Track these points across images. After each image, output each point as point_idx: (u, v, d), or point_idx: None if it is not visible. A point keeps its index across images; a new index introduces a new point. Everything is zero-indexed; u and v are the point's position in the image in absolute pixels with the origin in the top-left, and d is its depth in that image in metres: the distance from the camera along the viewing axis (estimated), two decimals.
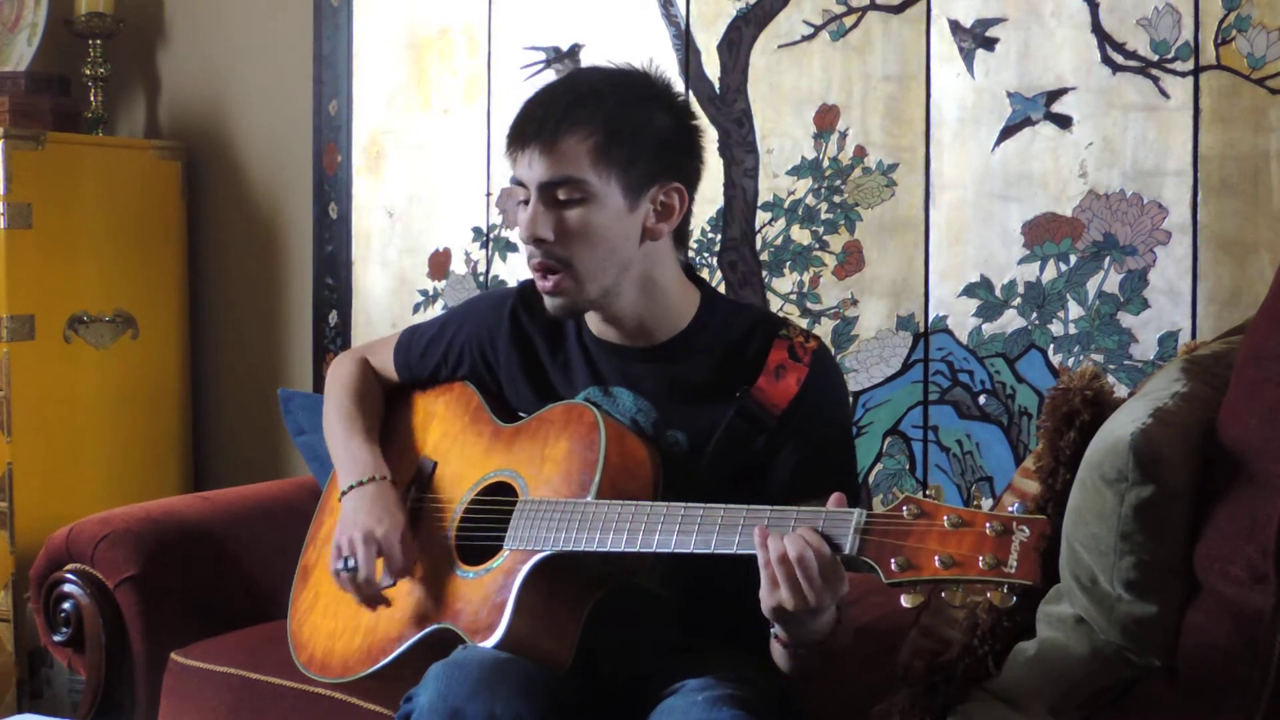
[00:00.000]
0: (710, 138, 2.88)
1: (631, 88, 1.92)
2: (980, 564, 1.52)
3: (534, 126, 1.88)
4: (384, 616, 1.99)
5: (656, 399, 1.96)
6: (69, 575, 2.59)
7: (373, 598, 2.00)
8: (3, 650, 3.22)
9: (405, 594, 1.98)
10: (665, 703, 1.80)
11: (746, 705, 1.75)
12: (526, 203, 1.90)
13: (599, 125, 1.85)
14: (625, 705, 1.85)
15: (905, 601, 1.55)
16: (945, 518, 1.55)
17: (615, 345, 1.99)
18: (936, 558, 1.54)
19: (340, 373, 2.25)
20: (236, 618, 2.60)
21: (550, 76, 3.04)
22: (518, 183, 1.91)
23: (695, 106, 2.87)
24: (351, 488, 2.07)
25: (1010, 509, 1.55)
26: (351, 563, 1.97)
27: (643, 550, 1.75)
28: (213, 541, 2.68)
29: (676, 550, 1.72)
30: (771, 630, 1.76)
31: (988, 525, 1.53)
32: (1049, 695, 1.74)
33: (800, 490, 1.78)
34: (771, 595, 1.64)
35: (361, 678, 1.98)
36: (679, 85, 2.90)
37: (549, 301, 1.93)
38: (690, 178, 1.95)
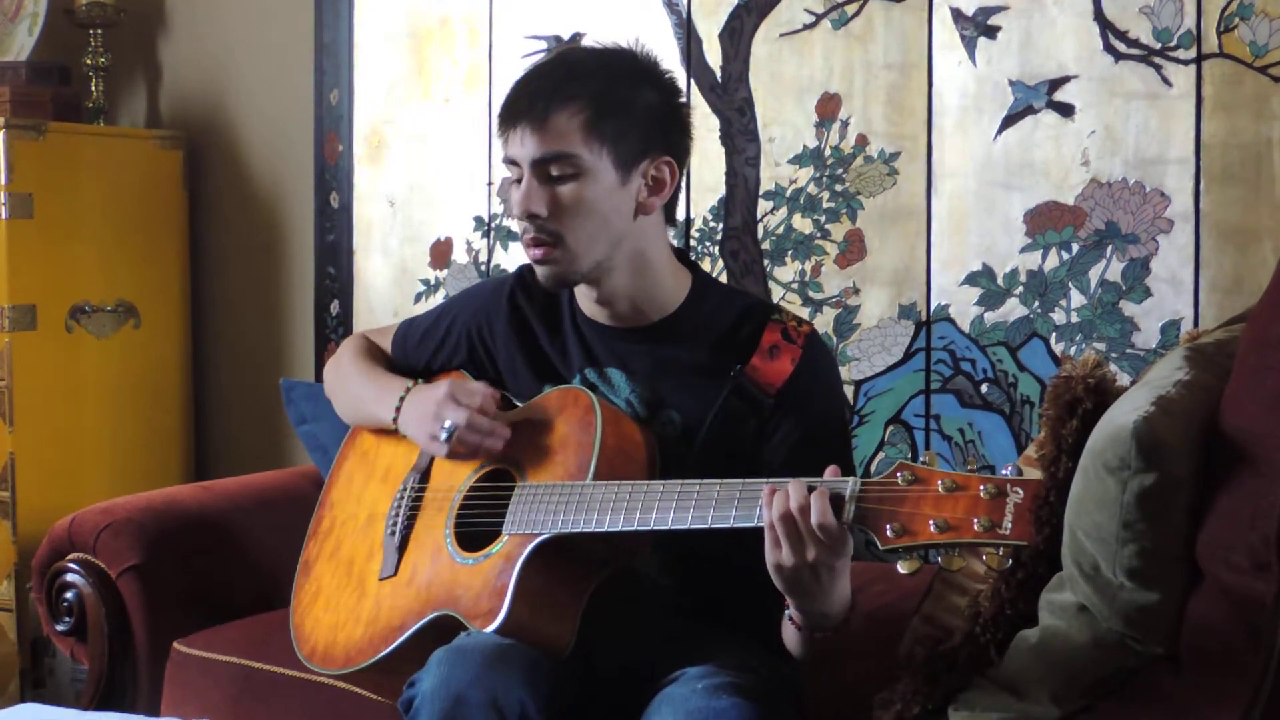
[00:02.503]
0: (712, 126, 2.88)
1: (619, 65, 1.95)
2: (975, 526, 1.53)
3: (524, 104, 1.90)
4: (385, 607, 1.99)
5: (649, 379, 1.97)
6: (71, 565, 2.60)
7: (490, 432, 1.96)
8: (6, 640, 3.22)
9: (406, 583, 1.98)
10: (665, 691, 1.80)
11: (747, 693, 1.75)
12: (519, 181, 1.92)
13: (589, 100, 1.88)
14: (626, 693, 1.85)
15: (902, 568, 1.56)
16: (939, 482, 1.56)
17: (608, 327, 2.00)
18: (931, 522, 1.54)
19: (346, 346, 2.27)
20: (238, 607, 2.60)
21: None
22: (510, 161, 1.93)
23: (696, 94, 2.89)
24: (399, 405, 2.07)
25: (1004, 472, 1.55)
26: (449, 423, 1.95)
27: (640, 529, 1.75)
28: (215, 531, 2.69)
29: (674, 527, 1.73)
30: (786, 612, 1.77)
31: (981, 488, 1.54)
32: (1051, 683, 1.74)
33: (795, 474, 1.78)
34: (773, 553, 1.65)
35: (364, 668, 1.98)
36: (671, 66, 2.90)
37: (540, 270, 1.94)
38: (679, 152, 1.97)
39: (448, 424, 1.96)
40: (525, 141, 1.89)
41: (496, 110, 1.98)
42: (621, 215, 1.91)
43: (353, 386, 2.20)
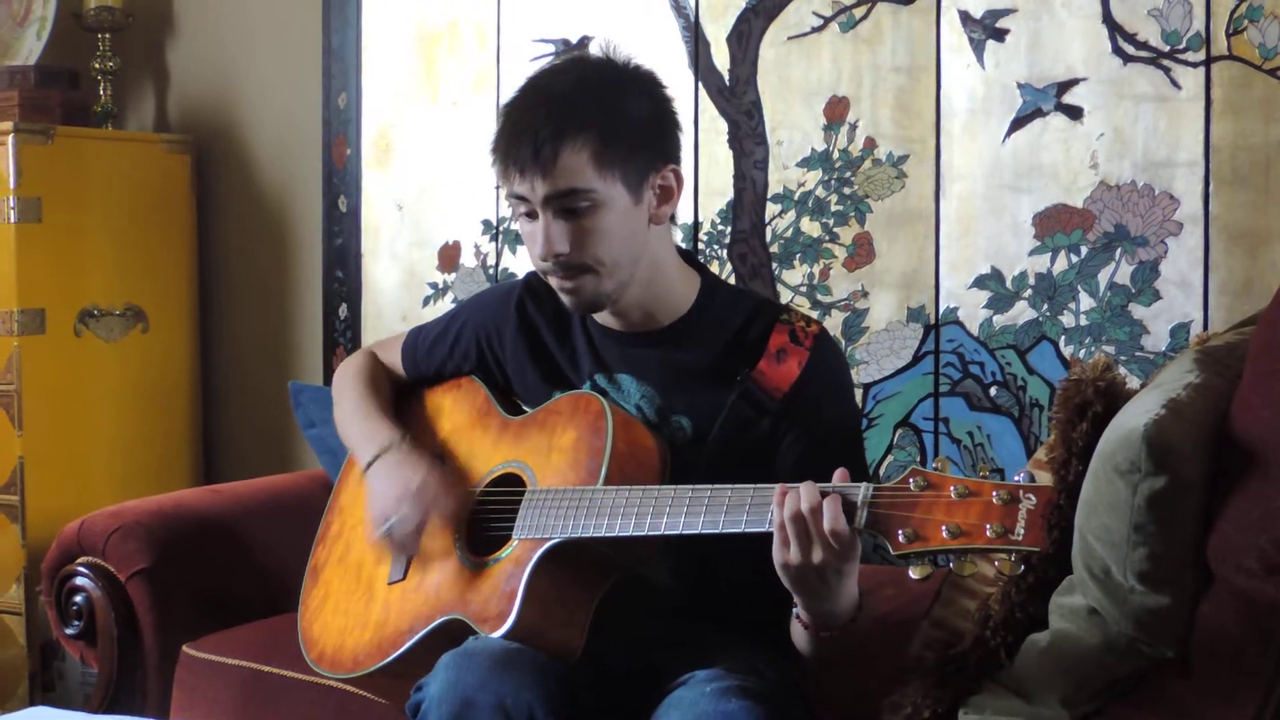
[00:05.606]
0: (720, 129, 2.88)
1: (606, 82, 1.92)
2: (988, 533, 1.53)
3: (528, 151, 1.87)
4: (394, 611, 1.99)
5: (660, 384, 1.97)
6: (81, 568, 2.60)
7: (411, 546, 1.99)
8: (15, 643, 3.23)
9: (415, 587, 1.98)
10: (674, 694, 1.80)
11: (756, 696, 1.75)
12: (530, 215, 1.90)
13: (593, 132, 1.85)
14: (634, 697, 1.86)
15: (913, 573, 1.56)
16: (952, 488, 1.56)
17: (619, 332, 2.00)
18: (944, 528, 1.54)
19: (350, 365, 2.26)
20: (248, 610, 2.61)
21: None
22: (518, 198, 1.91)
23: (703, 97, 2.89)
24: (373, 461, 2.06)
25: (1016, 478, 1.55)
26: (391, 522, 1.97)
27: (651, 534, 1.75)
28: (224, 534, 2.69)
29: (685, 532, 1.73)
30: (794, 611, 1.77)
31: (994, 494, 1.54)
32: (1061, 686, 1.73)
33: (805, 478, 1.78)
34: (780, 552, 1.65)
35: (373, 672, 1.98)
36: (675, 68, 2.90)
37: (567, 299, 1.93)
38: (678, 153, 1.96)
39: (390, 523, 1.97)
40: (536, 186, 1.87)
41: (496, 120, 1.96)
42: (638, 233, 1.91)
43: (344, 416, 2.20)
